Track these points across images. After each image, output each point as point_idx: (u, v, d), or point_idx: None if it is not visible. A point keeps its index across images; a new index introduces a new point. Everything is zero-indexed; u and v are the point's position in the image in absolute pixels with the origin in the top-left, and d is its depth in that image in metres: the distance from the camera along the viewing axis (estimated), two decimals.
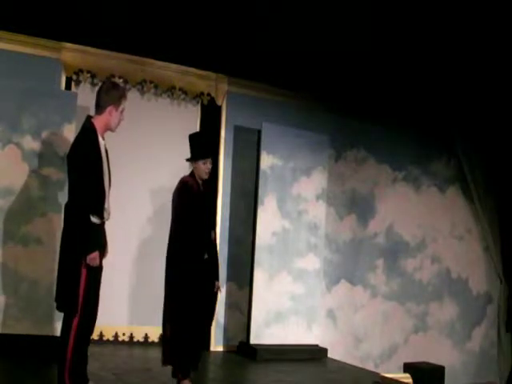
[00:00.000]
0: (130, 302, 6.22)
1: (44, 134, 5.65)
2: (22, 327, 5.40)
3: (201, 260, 4.63)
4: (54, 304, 4.04)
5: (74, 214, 3.87)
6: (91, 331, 4.10)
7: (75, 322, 3.88)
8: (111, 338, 6.14)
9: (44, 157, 5.62)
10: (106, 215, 4.07)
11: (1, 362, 4.96)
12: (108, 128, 4.09)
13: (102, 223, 4.06)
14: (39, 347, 5.27)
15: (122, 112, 4.12)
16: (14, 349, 5.21)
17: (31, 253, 5.49)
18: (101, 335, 6.09)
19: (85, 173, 3.85)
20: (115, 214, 6.17)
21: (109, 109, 4.04)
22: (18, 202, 5.56)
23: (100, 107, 4.06)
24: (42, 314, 5.42)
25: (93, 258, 3.88)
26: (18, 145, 5.63)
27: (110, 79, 6.09)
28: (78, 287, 3.85)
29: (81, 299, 3.87)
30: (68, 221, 3.93)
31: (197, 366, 4.68)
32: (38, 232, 5.53)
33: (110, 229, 6.11)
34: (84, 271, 3.87)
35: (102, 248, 4.06)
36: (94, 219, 3.93)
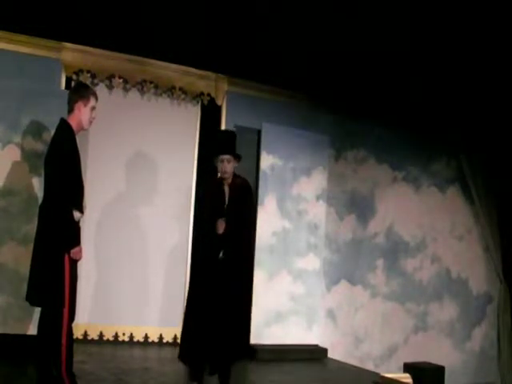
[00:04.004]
0: (130, 301, 6.21)
1: (44, 134, 5.65)
2: (23, 327, 5.40)
3: (213, 260, 4.56)
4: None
5: (57, 209, 3.95)
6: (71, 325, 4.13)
7: (65, 316, 3.94)
8: (111, 338, 6.14)
9: (44, 157, 5.61)
10: (83, 212, 4.18)
11: (1, 362, 4.95)
12: (80, 127, 4.19)
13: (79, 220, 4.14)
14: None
15: (92, 109, 4.20)
16: (15, 349, 5.20)
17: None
18: (101, 335, 6.09)
19: (67, 170, 3.96)
20: (115, 213, 6.22)
21: (77, 105, 4.15)
22: (18, 202, 5.57)
23: (70, 107, 4.17)
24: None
25: (77, 251, 3.99)
26: (18, 145, 5.63)
27: (110, 79, 6.12)
28: (64, 281, 3.93)
29: (67, 293, 3.94)
30: (46, 218, 4.01)
31: (196, 377, 4.57)
32: None
33: (110, 229, 6.16)
34: (67, 265, 3.94)
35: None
36: (76, 215, 4.02)
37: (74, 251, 3.97)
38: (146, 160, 6.35)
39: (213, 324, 4.46)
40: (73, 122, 4.13)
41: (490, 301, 8.69)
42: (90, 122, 4.24)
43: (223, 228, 4.54)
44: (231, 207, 4.62)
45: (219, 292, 4.49)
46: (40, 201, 5.58)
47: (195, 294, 4.57)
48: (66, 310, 3.94)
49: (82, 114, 4.15)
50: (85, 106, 4.16)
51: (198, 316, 4.53)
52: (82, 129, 4.23)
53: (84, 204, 4.15)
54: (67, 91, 5.90)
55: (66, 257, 3.94)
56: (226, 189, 4.68)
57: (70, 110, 4.17)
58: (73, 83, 6.02)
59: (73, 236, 4.00)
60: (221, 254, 4.56)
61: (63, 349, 3.91)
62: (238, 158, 4.69)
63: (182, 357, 4.57)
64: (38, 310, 5.10)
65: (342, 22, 6.01)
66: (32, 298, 4.05)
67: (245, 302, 4.65)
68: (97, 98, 4.27)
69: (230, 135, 4.81)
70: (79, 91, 4.24)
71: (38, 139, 5.66)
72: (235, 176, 4.73)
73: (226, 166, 4.62)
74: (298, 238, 6.74)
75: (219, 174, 4.78)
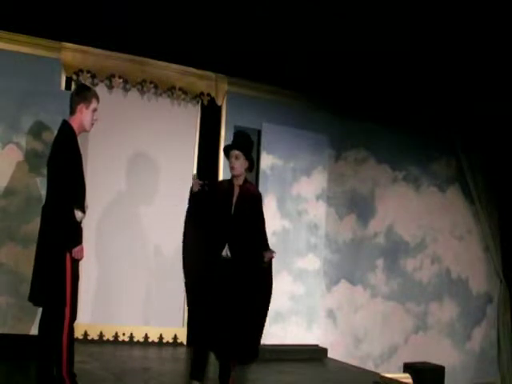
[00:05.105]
0: (130, 301, 6.21)
1: (44, 134, 5.65)
2: (23, 327, 5.40)
3: (216, 258, 4.52)
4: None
5: (59, 209, 3.98)
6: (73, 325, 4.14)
7: (67, 315, 3.95)
8: (111, 338, 6.14)
9: (44, 157, 5.58)
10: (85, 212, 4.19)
11: (1, 362, 4.95)
12: (82, 128, 4.22)
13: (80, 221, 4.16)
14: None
15: (94, 111, 4.23)
16: (15, 349, 5.20)
17: (32, 253, 5.43)
18: (101, 335, 6.09)
19: (70, 170, 3.99)
20: (114, 213, 6.22)
21: (79, 107, 4.16)
22: (17, 202, 5.57)
23: (72, 108, 4.19)
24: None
25: (78, 251, 4.00)
26: (18, 145, 5.64)
27: (110, 79, 6.12)
28: (65, 281, 3.94)
29: (69, 292, 3.95)
30: (48, 219, 4.04)
31: (196, 375, 4.53)
32: None
33: (110, 229, 6.16)
34: (69, 265, 3.96)
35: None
36: (78, 215, 4.04)
37: (75, 250, 3.98)
38: (145, 160, 6.35)
39: (218, 321, 4.44)
40: (74, 123, 4.15)
41: (490, 301, 8.69)
42: (92, 124, 4.27)
43: (196, 186, 4.52)
44: (238, 211, 4.57)
45: (225, 294, 4.46)
46: (40, 201, 5.62)
47: (197, 292, 4.54)
48: (67, 310, 3.95)
49: (83, 117, 4.17)
50: (87, 108, 4.18)
51: (203, 312, 4.50)
52: (83, 130, 4.25)
53: (86, 204, 4.17)
54: (67, 91, 5.95)
55: (68, 256, 3.96)
56: (236, 190, 4.62)
57: (72, 112, 4.18)
58: (73, 83, 6.03)
59: (74, 235, 4.01)
60: (224, 253, 4.53)
61: (64, 348, 3.92)
62: (248, 157, 4.61)
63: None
64: (38, 310, 5.12)
65: (342, 22, 6.01)
66: (34, 297, 4.07)
67: (253, 307, 4.59)
68: (98, 100, 4.28)
69: (242, 134, 4.78)
70: (81, 93, 4.24)
71: (38, 139, 5.66)
72: (246, 181, 4.69)
73: (234, 162, 4.57)
74: (298, 238, 6.75)
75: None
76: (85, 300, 5.83)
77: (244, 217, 4.56)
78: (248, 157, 4.62)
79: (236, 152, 4.58)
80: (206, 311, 4.46)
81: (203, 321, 4.48)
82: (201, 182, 4.54)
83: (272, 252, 4.53)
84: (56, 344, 3.93)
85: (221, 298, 4.44)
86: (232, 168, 4.61)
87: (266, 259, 4.52)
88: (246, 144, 4.66)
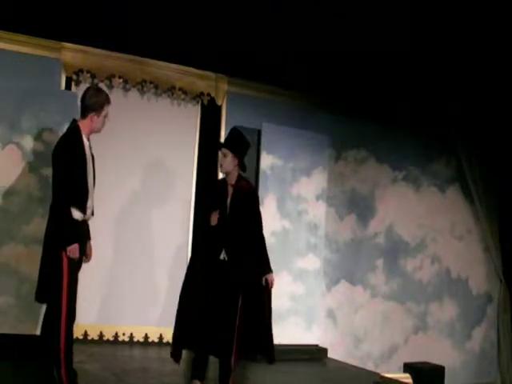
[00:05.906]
0: (130, 301, 6.21)
1: (44, 134, 5.65)
2: (24, 327, 5.40)
3: (214, 261, 4.49)
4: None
5: (57, 207, 4.01)
6: (73, 324, 4.14)
7: (63, 314, 3.95)
8: (111, 338, 6.14)
9: (44, 157, 5.60)
10: (88, 213, 4.18)
11: (1, 362, 4.95)
12: (91, 131, 4.26)
13: (84, 221, 4.17)
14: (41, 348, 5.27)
15: (105, 117, 4.26)
16: (15, 349, 5.20)
17: (32, 253, 5.47)
18: (101, 335, 6.09)
19: (69, 169, 4.00)
20: (113, 214, 6.22)
21: (90, 115, 4.19)
22: (18, 202, 5.56)
23: (83, 112, 4.21)
24: (43, 314, 5.41)
25: (72, 249, 3.98)
26: (18, 145, 5.63)
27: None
28: (62, 279, 3.95)
29: (65, 291, 3.95)
30: (50, 217, 4.09)
31: (197, 375, 4.52)
32: (39, 232, 5.48)
33: (109, 229, 6.16)
34: (66, 263, 3.97)
35: (83, 243, 4.16)
36: (76, 214, 4.04)
37: (70, 248, 3.96)
38: (145, 160, 6.35)
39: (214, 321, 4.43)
40: (83, 126, 4.18)
41: (490, 301, 8.69)
42: (103, 127, 4.31)
43: (215, 221, 4.48)
44: (233, 210, 4.53)
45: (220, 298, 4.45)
46: (40, 200, 5.63)
47: (191, 293, 4.52)
48: (63, 308, 3.94)
49: (94, 123, 4.21)
50: (98, 117, 4.21)
51: (198, 312, 4.48)
52: (93, 132, 4.28)
53: (88, 205, 4.15)
54: (67, 91, 5.97)
55: (64, 254, 3.96)
56: (230, 190, 4.57)
57: (82, 116, 4.21)
58: (73, 83, 6.03)
59: (69, 233, 3.99)
60: (222, 256, 4.51)
61: (61, 348, 3.92)
62: (236, 154, 4.50)
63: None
64: (39, 311, 5.13)
65: (342, 22, 6.02)
66: (37, 295, 4.10)
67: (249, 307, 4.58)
68: (109, 104, 4.27)
69: (233, 132, 4.70)
70: (93, 101, 4.20)
71: (38, 139, 5.66)
72: (241, 178, 4.63)
73: (222, 160, 4.53)
74: (298, 238, 6.74)
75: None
76: (85, 300, 5.82)
77: (239, 218, 4.52)
78: (236, 154, 4.50)
79: (224, 150, 4.53)
80: (203, 313, 4.45)
81: (200, 322, 4.46)
82: (218, 216, 4.50)
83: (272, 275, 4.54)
84: (55, 343, 3.93)
85: (217, 299, 4.42)
86: (220, 166, 4.59)
87: (263, 282, 4.51)
88: (234, 141, 4.57)
